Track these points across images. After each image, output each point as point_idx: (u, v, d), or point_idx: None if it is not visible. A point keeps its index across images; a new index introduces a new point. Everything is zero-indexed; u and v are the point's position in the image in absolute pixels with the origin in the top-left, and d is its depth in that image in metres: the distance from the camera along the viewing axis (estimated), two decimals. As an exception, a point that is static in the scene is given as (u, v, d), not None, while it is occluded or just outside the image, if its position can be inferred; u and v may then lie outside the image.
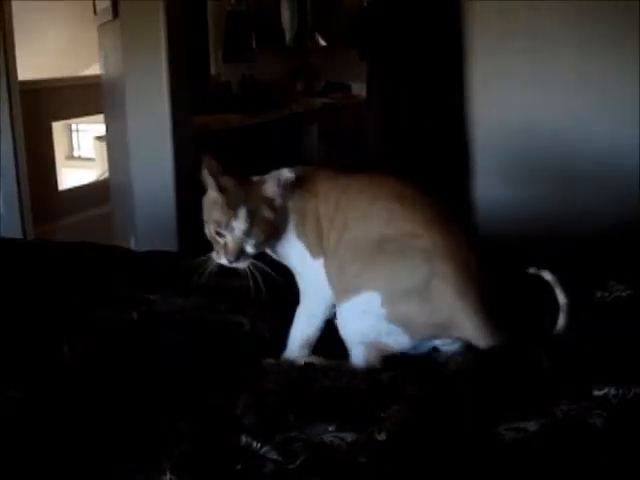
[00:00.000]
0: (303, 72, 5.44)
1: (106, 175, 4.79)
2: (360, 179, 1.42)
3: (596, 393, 1.15)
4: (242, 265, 1.36)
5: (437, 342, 1.35)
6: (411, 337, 1.32)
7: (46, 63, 5.19)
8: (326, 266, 1.39)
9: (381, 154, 3.70)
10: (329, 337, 1.42)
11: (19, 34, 4.10)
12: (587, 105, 2.46)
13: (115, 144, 3.92)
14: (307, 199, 1.39)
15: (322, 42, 5.47)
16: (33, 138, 4.38)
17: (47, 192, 4.70)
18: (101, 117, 4.23)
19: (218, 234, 1.34)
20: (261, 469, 1.04)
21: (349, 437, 1.08)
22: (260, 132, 4.29)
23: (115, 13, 3.44)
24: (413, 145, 3.47)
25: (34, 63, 4.86)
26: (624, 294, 1.55)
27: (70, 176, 5.95)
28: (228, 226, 1.33)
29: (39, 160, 4.60)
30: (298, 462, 1.04)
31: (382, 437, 1.08)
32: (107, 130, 4.15)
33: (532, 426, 1.08)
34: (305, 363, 1.38)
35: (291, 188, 1.36)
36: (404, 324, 1.31)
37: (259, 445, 1.08)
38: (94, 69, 4.67)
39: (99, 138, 5.55)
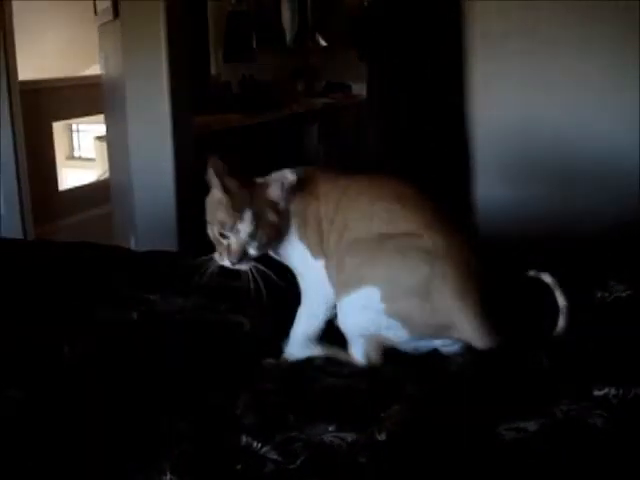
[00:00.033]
0: (303, 72, 5.43)
1: (106, 175, 4.79)
2: (360, 180, 1.42)
3: (596, 393, 1.15)
4: (244, 267, 1.36)
5: (437, 343, 1.35)
6: (410, 332, 1.32)
7: (46, 63, 5.19)
8: (327, 267, 1.39)
9: (381, 154, 3.70)
10: (329, 334, 1.42)
11: (19, 34, 4.10)
12: (587, 105, 2.46)
13: (115, 144, 3.92)
14: (308, 201, 1.39)
15: (322, 42, 5.48)
16: (33, 138, 4.39)
17: (47, 192, 4.70)
18: (101, 117, 4.23)
19: (222, 235, 1.34)
20: (261, 469, 1.04)
21: (349, 437, 1.08)
22: (260, 132, 4.29)
23: (115, 13, 3.44)
24: (413, 145, 3.47)
25: (34, 63, 4.86)
26: (624, 294, 1.55)
27: (70, 176, 5.95)
28: (233, 228, 1.33)
29: (39, 160, 4.60)
30: (298, 462, 1.04)
31: (382, 437, 1.08)
32: (107, 130, 4.15)
33: (532, 426, 1.08)
34: (306, 359, 1.38)
35: (293, 191, 1.36)
36: (403, 319, 1.31)
37: (259, 445, 1.08)
38: (94, 69, 4.68)
39: (99, 138, 5.55)
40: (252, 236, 1.33)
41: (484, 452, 1.04)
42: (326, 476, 1.02)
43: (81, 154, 6.35)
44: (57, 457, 1.08)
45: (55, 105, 4.87)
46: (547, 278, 1.39)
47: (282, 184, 1.35)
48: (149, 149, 3.39)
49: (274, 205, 1.35)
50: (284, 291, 1.44)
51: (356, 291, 1.32)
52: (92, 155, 6.21)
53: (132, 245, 3.47)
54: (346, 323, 1.37)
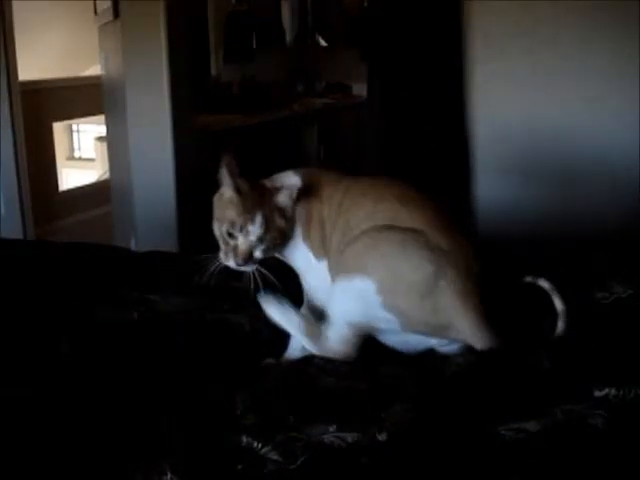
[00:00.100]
0: (303, 73, 5.44)
1: (106, 176, 4.79)
2: (362, 181, 1.42)
3: (597, 394, 1.15)
4: (248, 269, 1.36)
5: (433, 342, 1.35)
6: (403, 328, 1.31)
7: (47, 63, 5.19)
8: (330, 268, 1.39)
9: (381, 154, 3.70)
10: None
11: (19, 34, 4.11)
12: (587, 105, 2.46)
13: (116, 144, 3.92)
14: (312, 204, 1.40)
15: (322, 42, 5.48)
16: (34, 138, 4.39)
17: (48, 192, 4.70)
18: (102, 118, 4.23)
19: (230, 235, 1.34)
20: (262, 469, 1.04)
21: (350, 437, 1.08)
22: (260, 133, 4.29)
23: (116, 13, 3.45)
24: (413, 145, 3.47)
25: (35, 63, 4.86)
26: (624, 295, 1.55)
27: (71, 177, 5.96)
28: (243, 229, 1.33)
29: (40, 160, 4.61)
30: (299, 462, 1.04)
31: (383, 437, 1.08)
32: (108, 131, 4.15)
33: (532, 426, 1.08)
34: (306, 359, 1.38)
35: (297, 194, 1.37)
36: (400, 314, 1.30)
37: (260, 445, 1.08)
38: (95, 69, 4.68)
39: (100, 139, 5.56)
40: (260, 239, 1.34)
41: (484, 452, 1.04)
42: (326, 476, 1.02)
43: (81, 154, 6.36)
44: (57, 457, 1.08)
45: (55, 105, 4.88)
46: (544, 283, 1.38)
47: (291, 193, 1.36)
48: (149, 149, 3.40)
49: (282, 211, 1.36)
50: (284, 291, 1.44)
51: (352, 278, 1.31)
52: (92, 155, 6.22)
53: (132, 245, 3.47)
54: (335, 308, 1.35)
